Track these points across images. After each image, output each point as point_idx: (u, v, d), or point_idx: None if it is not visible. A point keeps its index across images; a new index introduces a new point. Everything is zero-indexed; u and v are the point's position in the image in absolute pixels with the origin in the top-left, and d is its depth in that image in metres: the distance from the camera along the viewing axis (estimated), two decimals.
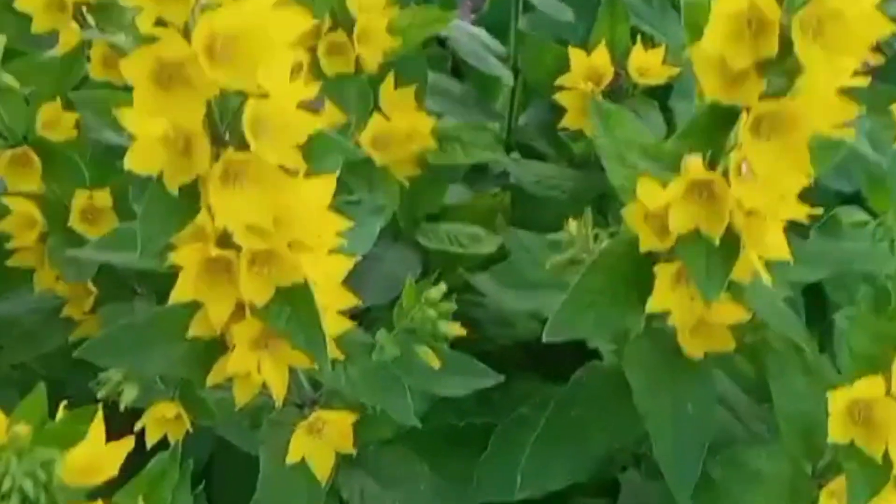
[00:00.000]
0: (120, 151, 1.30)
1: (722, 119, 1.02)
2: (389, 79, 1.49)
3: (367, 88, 1.46)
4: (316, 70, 1.40)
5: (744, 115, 1.00)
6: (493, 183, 1.80)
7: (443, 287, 1.17)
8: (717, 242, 1.04)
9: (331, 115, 1.39)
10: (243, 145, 0.96)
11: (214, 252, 1.01)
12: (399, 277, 1.49)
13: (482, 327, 1.57)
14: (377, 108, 1.48)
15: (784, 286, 1.19)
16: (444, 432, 1.40)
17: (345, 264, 1.08)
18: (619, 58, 1.58)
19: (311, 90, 1.00)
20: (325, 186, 1.03)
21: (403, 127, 1.49)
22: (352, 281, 1.09)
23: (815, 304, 1.41)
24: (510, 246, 1.50)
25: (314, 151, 0.99)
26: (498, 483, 1.30)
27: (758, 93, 0.97)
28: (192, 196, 0.97)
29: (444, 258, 1.58)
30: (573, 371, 1.30)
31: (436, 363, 1.18)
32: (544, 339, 1.10)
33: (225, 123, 0.98)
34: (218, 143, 0.97)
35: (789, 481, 1.17)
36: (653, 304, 1.11)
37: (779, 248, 1.09)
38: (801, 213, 1.07)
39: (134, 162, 0.95)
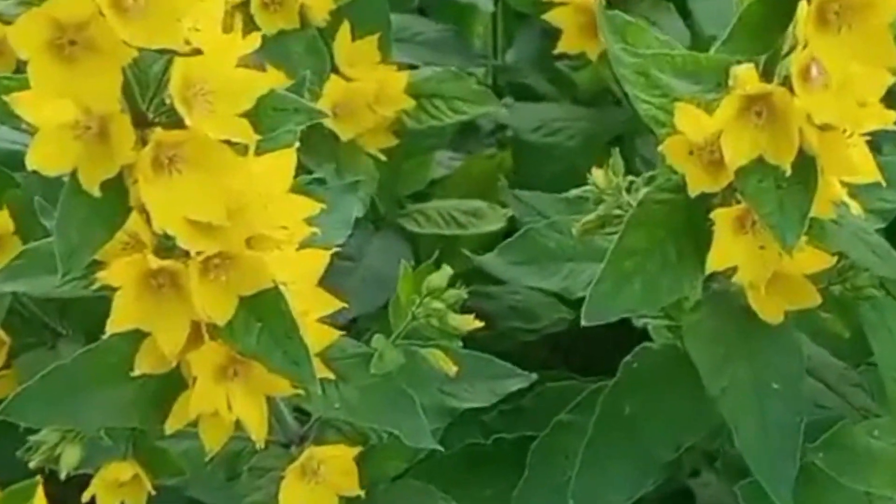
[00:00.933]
0: (16, 159, 1.28)
1: (776, 12, 0.99)
2: (345, 29, 1.46)
3: (318, 44, 1.43)
4: (251, 30, 1.37)
5: (803, 5, 0.97)
6: (485, 142, 1.79)
7: (447, 271, 1.15)
8: (789, 170, 1.03)
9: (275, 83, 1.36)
10: (175, 121, 0.93)
11: (155, 263, 0.98)
12: (387, 276, 1.48)
13: (495, 322, 1.56)
14: (334, 68, 1.46)
15: (874, 217, 1.16)
16: (470, 455, 1.38)
17: (320, 259, 1.07)
18: None
19: (252, 42, 0.97)
20: (283, 163, 1.01)
21: (369, 87, 1.47)
22: (328, 286, 1.08)
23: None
24: (518, 213, 1.47)
25: (265, 119, 0.97)
26: None
27: None
28: (118, 194, 0.95)
29: (439, 244, 1.55)
30: (614, 364, 1.28)
31: (451, 368, 1.17)
32: (583, 322, 1.09)
33: (148, 97, 0.95)
34: (142, 122, 0.95)
35: None
36: (714, 261, 1.09)
37: (865, 168, 1.07)
38: (888, 119, 1.04)
39: (38, 160, 0.92)
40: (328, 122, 1.44)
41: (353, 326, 1.43)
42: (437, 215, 1.61)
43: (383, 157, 1.50)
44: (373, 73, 1.48)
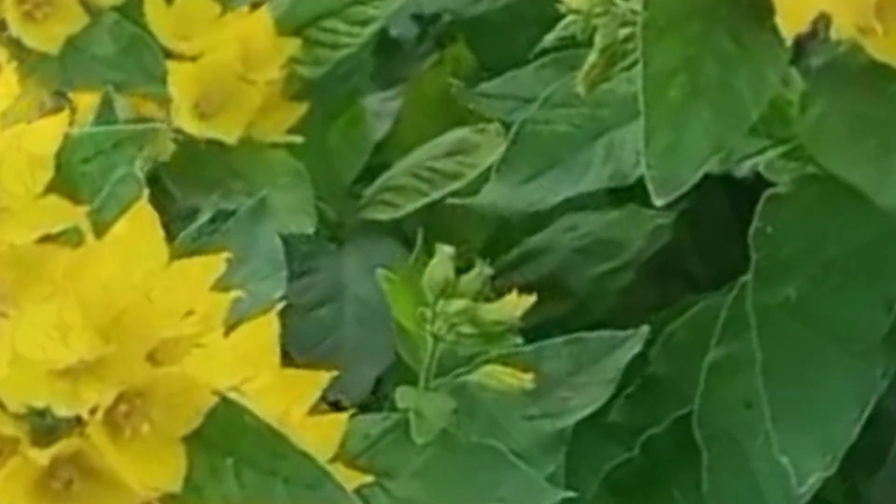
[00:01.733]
0: None
1: None
2: None
3: (126, 31, 1.47)
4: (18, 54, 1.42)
5: None
6: (419, 52, 1.85)
7: (445, 250, 1.17)
8: None
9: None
10: None
11: (43, 457, 0.97)
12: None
13: (552, 294, 1.58)
14: (165, 53, 1.49)
15: None
16: (617, 486, 1.42)
17: (266, 329, 1.09)
18: None
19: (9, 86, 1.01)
20: (142, 226, 1.02)
21: (227, 54, 1.51)
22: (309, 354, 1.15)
23: None
24: (488, 111, 1.50)
25: (82, 180, 1.01)
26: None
27: None
28: None
29: (435, 217, 1.61)
30: (744, 247, 1.29)
31: (522, 380, 1.19)
32: (657, 201, 1.10)
33: None
34: None
35: None
36: (790, 18, 1.10)
37: None
38: None
39: None
40: (197, 129, 1.48)
41: (376, 401, 1.49)
42: (413, 180, 1.66)
43: (298, 139, 1.54)
44: (220, 33, 1.52)
